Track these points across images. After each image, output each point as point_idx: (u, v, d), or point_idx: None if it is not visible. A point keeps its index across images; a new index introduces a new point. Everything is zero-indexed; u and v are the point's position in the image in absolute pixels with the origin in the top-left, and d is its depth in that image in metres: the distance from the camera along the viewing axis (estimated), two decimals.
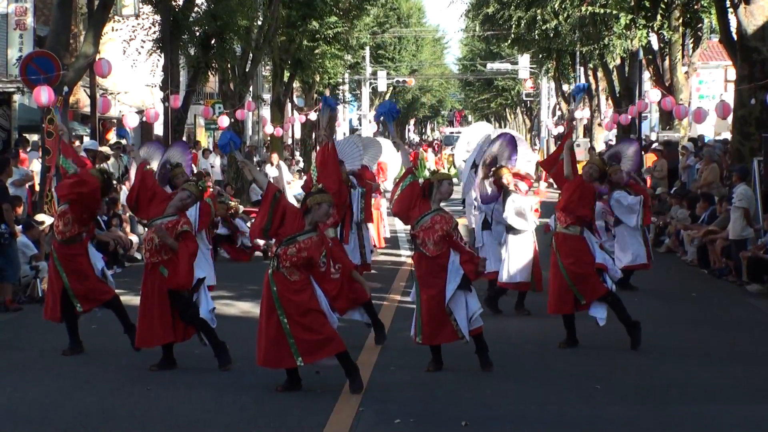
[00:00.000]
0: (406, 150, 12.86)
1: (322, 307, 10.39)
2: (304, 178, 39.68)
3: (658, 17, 33.39)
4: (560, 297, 12.74)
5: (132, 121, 31.56)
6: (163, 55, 31.39)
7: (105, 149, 26.37)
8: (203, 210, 13.87)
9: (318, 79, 50.38)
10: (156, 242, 11.45)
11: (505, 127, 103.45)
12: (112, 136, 39.32)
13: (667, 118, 34.81)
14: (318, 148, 13.59)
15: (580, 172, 13.03)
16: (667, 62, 34.67)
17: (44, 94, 20.56)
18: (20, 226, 17.14)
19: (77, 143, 26.44)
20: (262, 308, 10.51)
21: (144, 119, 33.95)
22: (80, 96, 35.93)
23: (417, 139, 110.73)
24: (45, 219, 18.56)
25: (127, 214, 21.83)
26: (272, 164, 32.68)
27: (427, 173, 26.47)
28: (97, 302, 12.69)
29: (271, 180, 11.68)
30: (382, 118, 12.10)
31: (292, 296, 10.30)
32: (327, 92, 56.21)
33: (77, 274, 12.52)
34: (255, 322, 12.66)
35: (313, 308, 10.32)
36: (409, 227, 11.63)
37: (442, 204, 11.44)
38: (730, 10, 23.26)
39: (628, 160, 17.29)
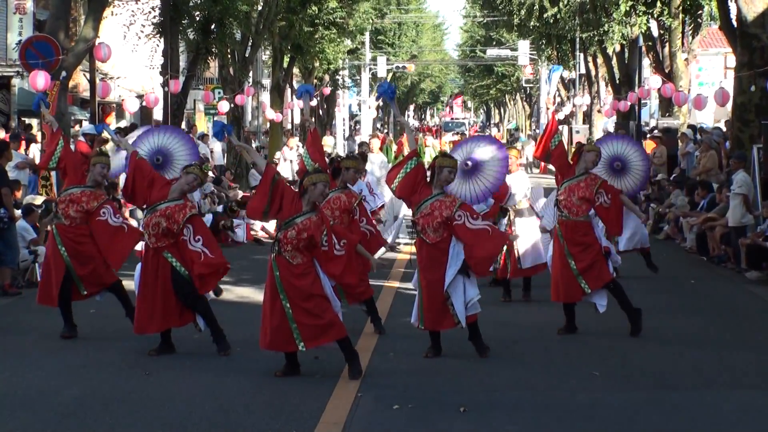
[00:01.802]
0: (412, 130, 12.65)
1: (325, 291, 10.38)
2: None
3: (658, 4, 33.38)
4: (568, 285, 12.64)
5: (131, 106, 31.53)
6: (162, 39, 31.35)
7: (103, 133, 26.32)
8: None
9: (317, 64, 50.31)
10: (163, 226, 11.38)
11: (504, 113, 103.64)
12: (111, 120, 39.28)
13: (667, 105, 34.83)
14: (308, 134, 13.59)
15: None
16: (666, 49, 34.67)
17: (41, 79, 20.56)
18: (19, 210, 17.14)
19: (77, 127, 26.41)
20: (266, 293, 10.50)
21: (144, 104, 33.91)
22: (79, 80, 35.90)
23: (417, 124, 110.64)
24: (37, 200, 18.55)
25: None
26: (290, 148, 32.72)
27: (429, 158, 26.36)
28: (101, 286, 12.64)
29: (289, 161, 11.73)
30: (381, 98, 12.03)
31: (294, 281, 10.29)
32: (326, 77, 56.15)
33: (82, 256, 12.46)
34: (252, 307, 12.69)
35: (315, 293, 10.31)
36: (410, 212, 11.58)
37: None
38: None
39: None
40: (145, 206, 11.75)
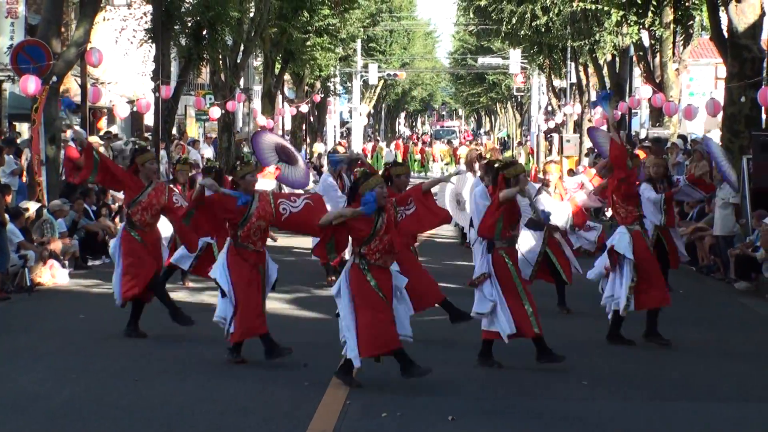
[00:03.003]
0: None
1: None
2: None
3: (650, 14, 33.42)
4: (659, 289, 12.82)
5: (122, 111, 31.50)
6: (154, 45, 31.33)
7: (94, 138, 26.32)
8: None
9: (309, 71, 50.36)
10: (263, 226, 11.22)
11: (495, 121, 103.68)
12: (103, 125, 39.29)
13: (657, 115, 34.87)
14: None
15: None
16: (657, 59, 34.73)
17: (31, 84, 20.55)
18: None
19: (67, 132, 26.36)
20: (358, 302, 10.32)
21: (135, 109, 33.91)
22: (70, 85, 35.85)
23: (408, 132, 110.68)
24: (31, 206, 18.55)
25: (116, 204, 21.77)
26: None
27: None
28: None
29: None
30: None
31: (387, 284, 10.39)
32: (317, 84, 56.19)
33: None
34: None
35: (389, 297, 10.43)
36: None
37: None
38: (721, 7, 23.30)
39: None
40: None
